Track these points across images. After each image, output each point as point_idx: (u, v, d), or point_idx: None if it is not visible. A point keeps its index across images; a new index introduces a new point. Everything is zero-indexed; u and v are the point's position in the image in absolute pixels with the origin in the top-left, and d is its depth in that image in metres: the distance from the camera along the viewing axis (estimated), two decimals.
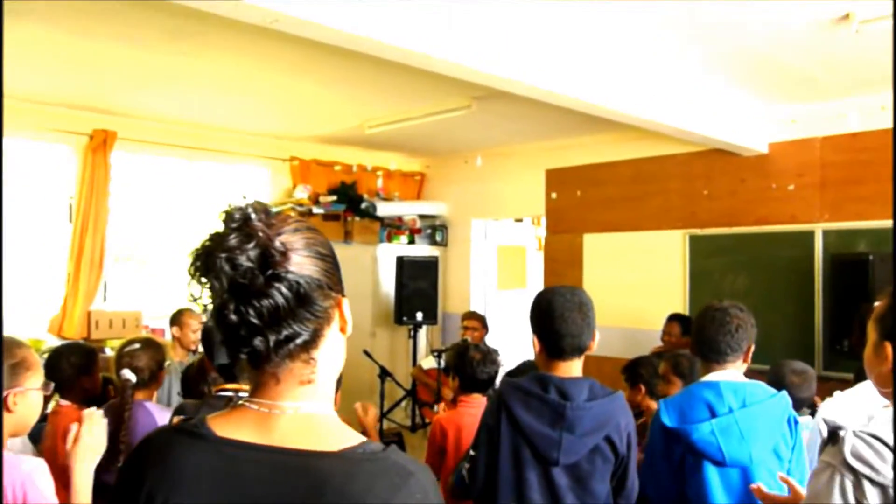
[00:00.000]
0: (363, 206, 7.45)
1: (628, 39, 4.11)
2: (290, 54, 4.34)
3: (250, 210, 1.02)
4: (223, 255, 0.98)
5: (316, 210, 7.11)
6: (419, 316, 7.02)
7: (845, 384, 3.59)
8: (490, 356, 3.14)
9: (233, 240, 0.99)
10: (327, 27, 2.91)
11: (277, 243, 1.00)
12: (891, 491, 1.24)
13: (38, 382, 1.93)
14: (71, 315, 5.86)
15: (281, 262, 0.99)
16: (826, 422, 1.34)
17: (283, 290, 0.99)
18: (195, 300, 1.02)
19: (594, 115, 4.67)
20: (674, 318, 5.21)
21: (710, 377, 2.38)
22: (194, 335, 4.51)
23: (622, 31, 3.99)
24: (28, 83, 5.17)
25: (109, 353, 5.32)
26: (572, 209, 6.95)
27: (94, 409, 2.03)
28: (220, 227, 1.02)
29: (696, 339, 2.47)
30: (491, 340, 5.41)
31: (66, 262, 5.93)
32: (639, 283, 6.33)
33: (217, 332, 2.01)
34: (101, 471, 2.25)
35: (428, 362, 5.66)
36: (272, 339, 1.00)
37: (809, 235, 5.36)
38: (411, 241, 7.82)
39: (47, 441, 2.86)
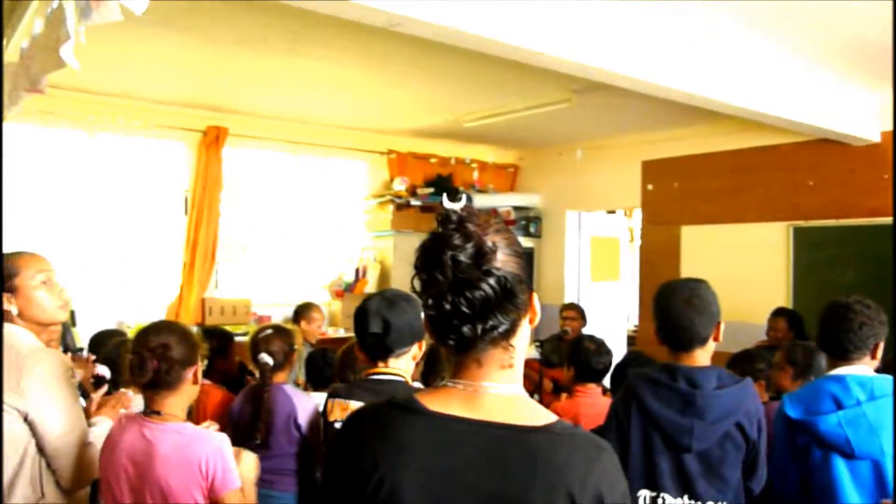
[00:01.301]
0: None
1: (733, 29, 4.08)
2: (393, 51, 4.48)
3: (464, 213, 1.15)
4: (449, 253, 1.11)
5: (413, 202, 7.27)
6: None
7: None
8: (604, 347, 3.22)
9: (456, 239, 1.12)
10: (447, 27, 3.01)
11: (489, 242, 1.12)
12: None
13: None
14: (187, 302, 6.20)
15: (491, 259, 1.12)
16: None
17: (493, 283, 1.12)
18: (416, 292, 1.17)
19: (692, 107, 4.62)
20: (780, 313, 5.09)
21: (837, 371, 2.38)
22: (318, 329, 4.74)
23: (727, 21, 3.96)
24: (149, 85, 5.51)
25: None
26: (669, 201, 6.88)
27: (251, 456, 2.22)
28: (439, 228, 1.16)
29: (820, 334, 2.47)
30: (586, 332, 5.43)
31: (182, 251, 6.29)
32: (739, 276, 6.21)
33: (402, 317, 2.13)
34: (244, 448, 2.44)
35: (528, 353, 5.73)
36: (479, 327, 1.13)
37: None
38: None
39: (195, 416, 3.11)
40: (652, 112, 5.87)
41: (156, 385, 2.02)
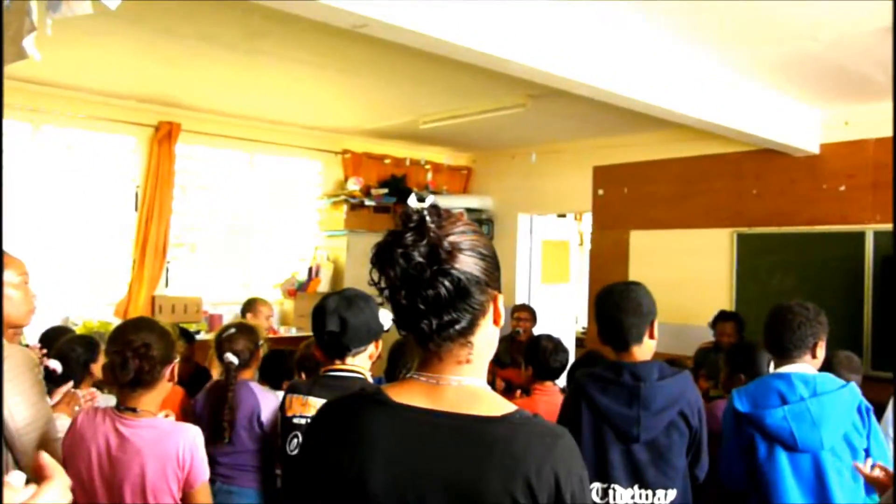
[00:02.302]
0: None
1: (685, 44, 4.22)
2: (351, 51, 4.50)
3: (426, 212, 1.17)
4: (399, 251, 1.14)
5: (368, 202, 7.29)
6: None
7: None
8: (561, 346, 3.31)
9: (409, 238, 1.15)
10: (412, 30, 3.05)
11: (446, 243, 1.15)
12: None
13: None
14: (136, 300, 6.10)
15: (447, 260, 1.15)
16: None
17: (447, 283, 1.14)
18: (374, 285, 1.20)
19: (644, 114, 4.75)
20: (727, 318, 5.25)
21: (782, 370, 2.51)
22: (265, 323, 4.72)
23: (679, 36, 4.10)
24: (99, 77, 5.41)
25: None
26: (619, 206, 7.05)
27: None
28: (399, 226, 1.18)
29: (764, 336, 2.62)
30: (543, 332, 5.51)
31: (132, 248, 6.18)
32: (685, 280, 6.41)
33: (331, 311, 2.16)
34: (206, 444, 2.45)
35: None
36: (434, 322, 1.16)
37: (860, 236, 5.42)
38: None
39: None
40: (605, 119, 6.02)
41: (136, 384, 2.02)
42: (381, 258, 1.17)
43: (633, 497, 2.29)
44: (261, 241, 7.17)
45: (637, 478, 2.30)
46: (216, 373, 3.52)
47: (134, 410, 2.04)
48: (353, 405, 1.22)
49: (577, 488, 1.15)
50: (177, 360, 2.11)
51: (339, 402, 1.26)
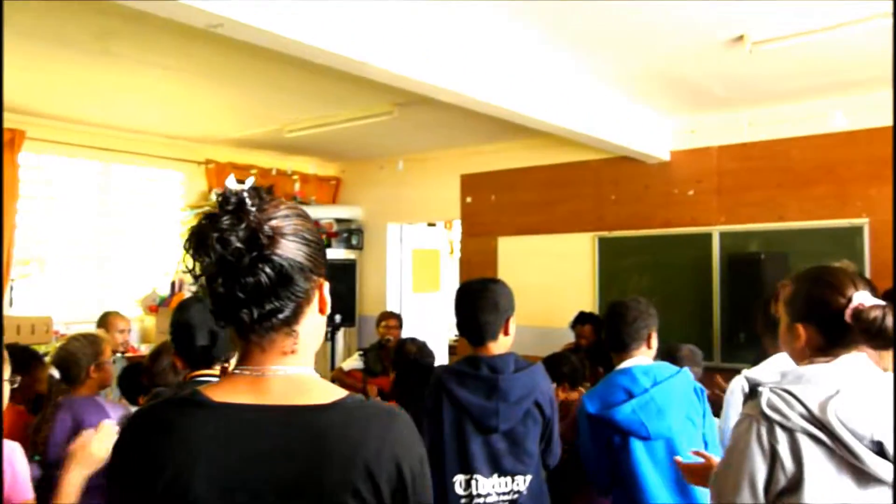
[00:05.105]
0: None
1: (549, 52, 4.38)
2: (213, 56, 4.37)
3: (245, 194, 1.10)
4: (215, 235, 1.06)
5: None
6: (337, 318, 7.06)
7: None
8: (426, 349, 3.31)
9: (225, 221, 1.07)
10: (269, 31, 2.98)
11: (266, 227, 1.09)
12: (798, 435, 1.49)
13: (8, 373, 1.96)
14: None
15: (268, 245, 1.08)
16: (748, 380, 1.58)
17: (267, 270, 1.08)
18: (189, 272, 1.10)
19: (510, 123, 4.87)
20: (585, 320, 5.43)
21: (623, 365, 2.63)
22: (121, 336, 4.48)
23: (544, 45, 4.25)
24: None
25: None
26: (487, 213, 7.19)
27: (111, 421, 2.07)
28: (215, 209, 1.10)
29: (605, 334, 2.73)
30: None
31: None
32: (551, 284, 6.62)
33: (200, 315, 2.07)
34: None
35: (350, 363, 5.75)
36: (256, 312, 1.09)
37: (708, 237, 5.79)
38: (328, 245, 7.87)
39: None
40: (471, 127, 6.13)
41: None
42: (196, 243, 1.08)
43: (493, 486, 2.34)
44: (119, 255, 6.80)
45: (496, 466, 2.36)
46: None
47: None
48: (166, 410, 1.11)
49: (417, 468, 1.13)
50: (6, 376, 1.92)
51: (148, 410, 1.14)
